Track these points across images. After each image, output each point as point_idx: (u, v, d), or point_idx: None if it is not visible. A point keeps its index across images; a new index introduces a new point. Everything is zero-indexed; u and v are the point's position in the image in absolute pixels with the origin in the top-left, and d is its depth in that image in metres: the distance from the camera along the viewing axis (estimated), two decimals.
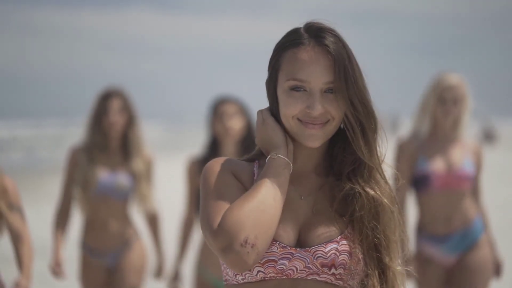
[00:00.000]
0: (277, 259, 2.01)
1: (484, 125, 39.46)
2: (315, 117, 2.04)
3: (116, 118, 5.23)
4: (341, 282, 2.03)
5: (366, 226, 2.04)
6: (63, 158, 5.49)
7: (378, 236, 2.04)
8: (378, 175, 2.09)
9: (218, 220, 1.97)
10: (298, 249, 2.02)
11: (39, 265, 7.90)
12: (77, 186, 5.20)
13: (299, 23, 2.12)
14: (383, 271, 2.05)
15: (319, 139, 2.06)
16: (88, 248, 5.27)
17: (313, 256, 2.02)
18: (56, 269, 5.22)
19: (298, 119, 2.06)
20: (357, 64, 2.07)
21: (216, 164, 2.10)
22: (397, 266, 2.06)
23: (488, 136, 37.85)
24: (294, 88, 2.06)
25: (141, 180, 5.22)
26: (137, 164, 5.23)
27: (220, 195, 2.03)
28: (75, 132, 5.51)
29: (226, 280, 2.10)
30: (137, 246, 5.27)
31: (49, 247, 8.46)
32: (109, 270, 5.26)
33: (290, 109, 2.05)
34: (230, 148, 4.98)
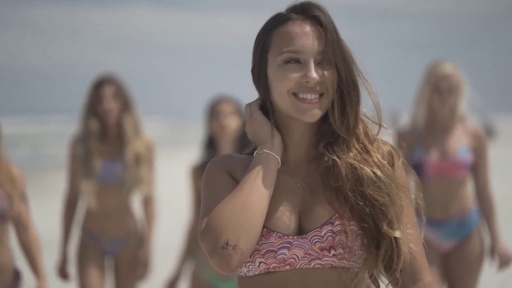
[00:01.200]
0: (276, 249, 2.03)
1: (483, 121, 39.43)
2: (311, 88, 2.04)
3: (110, 105, 5.21)
4: (345, 262, 2.04)
5: (349, 195, 2.02)
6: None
7: (362, 202, 2.02)
8: (355, 147, 2.08)
9: (204, 223, 2.01)
10: (295, 237, 2.04)
11: (46, 260, 7.99)
12: (79, 178, 5.20)
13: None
14: (379, 240, 2.02)
15: (317, 114, 2.06)
16: (88, 233, 5.28)
17: (311, 241, 2.03)
18: (62, 272, 5.30)
19: (294, 94, 2.05)
20: (341, 37, 2.09)
21: (213, 166, 2.12)
22: (396, 231, 2.02)
23: (488, 132, 37.82)
24: (288, 61, 2.06)
25: (140, 164, 5.19)
26: (134, 149, 5.20)
27: (211, 198, 2.06)
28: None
29: None
30: (138, 241, 5.29)
31: (55, 242, 8.53)
32: (106, 256, 5.27)
33: (285, 83, 2.05)
34: (226, 147, 5.03)
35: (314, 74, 2.04)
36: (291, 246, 2.04)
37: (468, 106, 4.96)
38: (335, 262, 2.04)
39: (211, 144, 5.12)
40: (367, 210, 2.02)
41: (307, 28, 2.07)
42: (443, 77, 4.87)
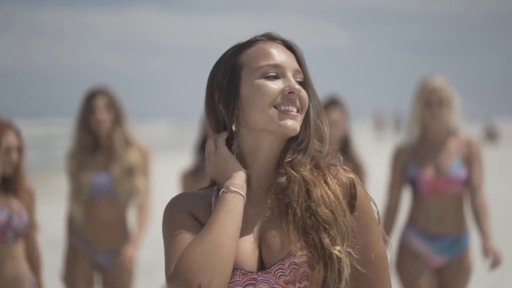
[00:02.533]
0: (242, 287, 1.97)
1: (486, 124, 39.44)
2: (293, 100, 1.99)
3: (103, 116, 5.17)
4: None
5: (297, 208, 1.97)
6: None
7: (307, 215, 1.97)
8: (312, 167, 2.04)
9: (172, 267, 1.93)
10: (259, 272, 1.98)
11: (52, 258, 8.10)
12: (72, 193, 5.18)
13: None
14: (327, 258, 1.96)
15: (297, 128, 2.00)
16: (83, 241, 5.22)
17: (275, 276, 1.97)
18: (67, 281, 5.30)
19: (276, 108, 1.99)
20: None
21: (172, 207, 2.04)
22: (336, 247, 1.96)
23: (490, 135, 37.81)
24: (267, 76, 1.99)
25: (133, 175, 5.17)
26: (124, 163, 5.18)
27: (177, 241, 1.97)
28: None
29: None
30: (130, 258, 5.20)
31: (60, 242, 8.63)
32: (96, 267, 5.23)
33: (267, 95, 1.98)
34: None
35: (297, 85, 2.00)
36: (256, 282, 1.97)
37: (466, 114, 5.00)
38: None
39: (203, 146, 5.22)
40: (310, 223, 1.96)
41: (280, 46, 2.04)
42: (432, 90, 4.93)
